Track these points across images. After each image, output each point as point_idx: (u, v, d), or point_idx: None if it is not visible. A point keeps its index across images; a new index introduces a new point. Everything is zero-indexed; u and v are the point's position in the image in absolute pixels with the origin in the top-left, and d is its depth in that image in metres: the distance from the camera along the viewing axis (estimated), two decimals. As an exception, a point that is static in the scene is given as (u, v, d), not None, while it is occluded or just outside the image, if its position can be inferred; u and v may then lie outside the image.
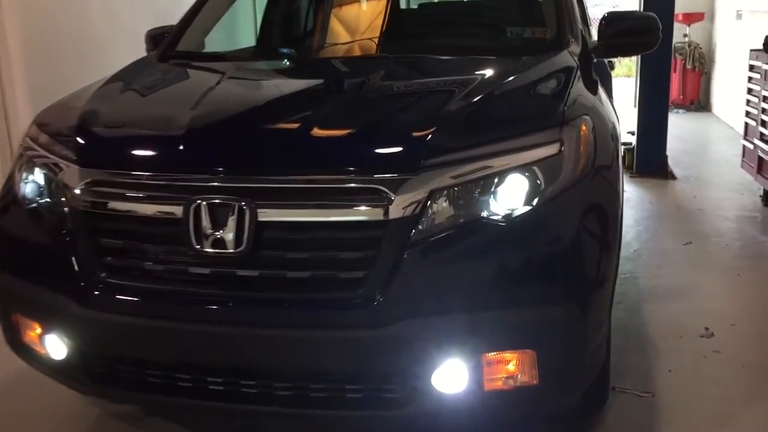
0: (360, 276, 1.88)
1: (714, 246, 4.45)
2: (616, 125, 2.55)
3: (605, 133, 2.30)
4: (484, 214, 1.93)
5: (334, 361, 1.92)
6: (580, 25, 2.91)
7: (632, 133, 6.50)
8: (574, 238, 1.97)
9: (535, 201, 1.95)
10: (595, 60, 2.91)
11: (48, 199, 2.15)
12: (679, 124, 8.30)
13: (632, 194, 5.63)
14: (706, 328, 3.24)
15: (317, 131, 2.03)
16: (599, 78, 2.87)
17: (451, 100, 2.16)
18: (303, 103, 2.28)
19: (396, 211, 1.87)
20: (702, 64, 9.91)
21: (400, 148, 1.97)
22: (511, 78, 2.34)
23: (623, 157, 6.22)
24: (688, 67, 9.87)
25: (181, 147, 2.08)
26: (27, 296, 2.17)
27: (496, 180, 1.95)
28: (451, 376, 1.92)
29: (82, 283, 2.01)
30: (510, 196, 1.95)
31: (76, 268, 2.03)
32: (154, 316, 1.97)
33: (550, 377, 1.98)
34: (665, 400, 2.67)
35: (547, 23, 2.93)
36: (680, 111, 9.66)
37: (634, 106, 6.73)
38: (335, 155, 1.98)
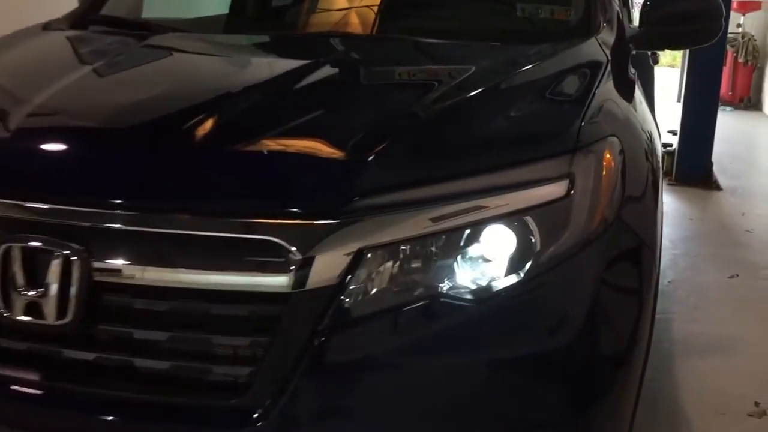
0: (243, 375, 1.22)
1: (766, 281, 3.70)
2: (655, 138, 1.82)
3: (639, 157, 1.59)
4: (444, 289, 1.25)
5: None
6: (616, 5, 2.18)
7: (674, 133, 5.72)
8: (583, 332, 1.28)
9: (526, 269, 1.26)
10: (633, 52, 2.18)
11: None
12: (726, 124, 7.45)
13: (670, 207, 4.87)
14: (757, 404, 2.53)
15: (187, 149, 1.35)
16: (637, 76, 2.15)
17: (409, 107, 1.46)
18: (182, 104, 1.55)
19: (302, 278, 1.20)
20: (755, 57, 9.02)
21: (314, 180, 1.28)
22: (507, 76, 1.64)
23: (662, 161, 5.52)
24: (740, 60, 8.99)
25: None
26: None
27: (465, 235, 1.27)
28: None
29: None
30: (486, 262, 1.27)
31: None
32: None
33: None
34: None
35: (572, 0, 2.19)
36: (728, 109, 8.79)
37: (677, 101, 5.95)
38: (211, 187, 1.30)
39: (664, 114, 5.37)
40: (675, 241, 4.23)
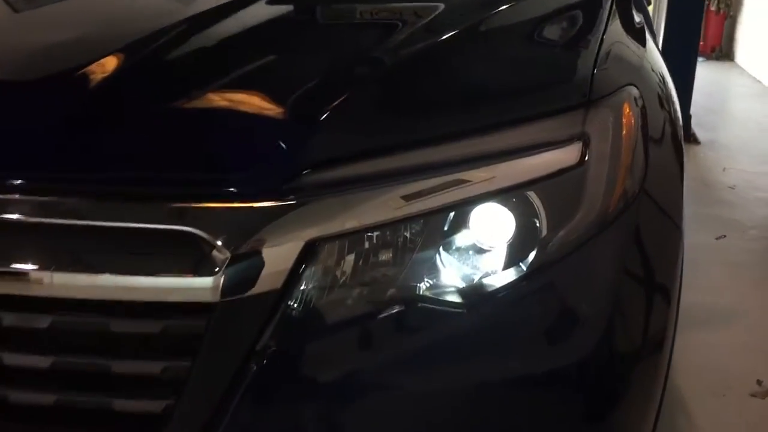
0: (155, 411, 0.91)
1: (755, 242, 3.47)
2: (670, 85, 1.51)
3: (658, 111, 1.29)
4: (424, 290, 0.94)
5: None
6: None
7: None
8: (604, 337, 0.99)
9: (529, 260, 0.96)
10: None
11: None
12: (699, 75, 7.23)
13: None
14: (759, 382, 2.30)
15: (70, 109, 0.99)
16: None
17: (370, 53, 1.13)
18: (65, 51, 1.13)
19: (233, 282, 0.88)
20: (728, 5, 8.74)
21: (245, 151, 0.95)
22: (494, 12, 1.30)
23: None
24: (712, 9, 8.70)
25: None
26: None
27: (449, 218, 0.96)
28: None
29: None
30: (478, 254, 0.97)
31: None
32: None
33: None
34: None
35: None
36: (699, 59, 8.54)
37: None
38: (107, 162, 0.96)
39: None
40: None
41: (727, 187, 4.27)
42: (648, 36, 1.60)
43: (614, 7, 1.42)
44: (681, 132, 1.37)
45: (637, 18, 1.62)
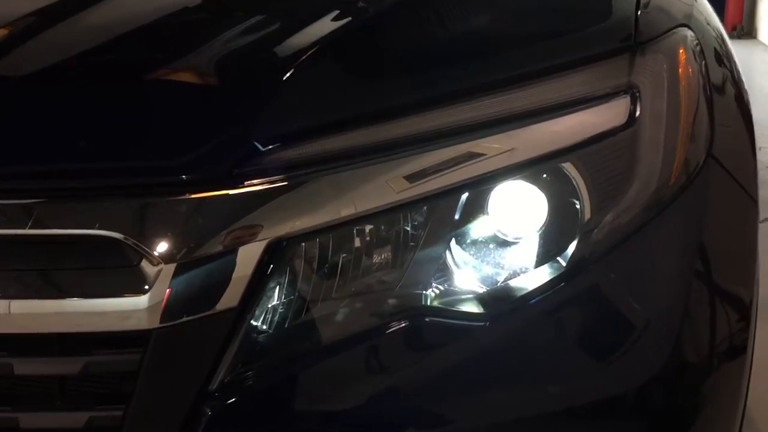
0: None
1: (802, 224, 3.20)
2: (724, 34, 1.26)
3: (718, 69, 1.04)
4: (431, 299, 0.71)
5: None
6: None
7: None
8: (673, 349, 0.74)
9: (568, 255, 0.73)
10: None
11: None
12: (721, 54, 6.95)
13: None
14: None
15: None
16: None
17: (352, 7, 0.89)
18: None
19: (172, 303, 0.65)
20: (748, -18, 8.45)
21: (188, 128, 0.72)
22: None
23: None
24: (731, -14, 8.42)
25: None
26: None
27: (461, 202, 0.73)
28: None
29: None
30: (500, 248, 0.73)
31: None
32: None
33: None
34: None
35: None
36: (720, 38, 8.25)
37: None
38: (12, 150, 0.73)
39: None
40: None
41: (765, 167, 3.98)
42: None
43: None
44: (747, 95, 1.12)
45: None
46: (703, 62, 0.90)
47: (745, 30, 8.65)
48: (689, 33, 0.91)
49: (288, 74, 0.72)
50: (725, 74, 1.05)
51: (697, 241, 0.80)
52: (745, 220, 0.89)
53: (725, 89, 1.00)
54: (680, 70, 0.84)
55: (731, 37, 7.23)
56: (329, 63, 0.76)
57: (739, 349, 0.84)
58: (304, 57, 0.74)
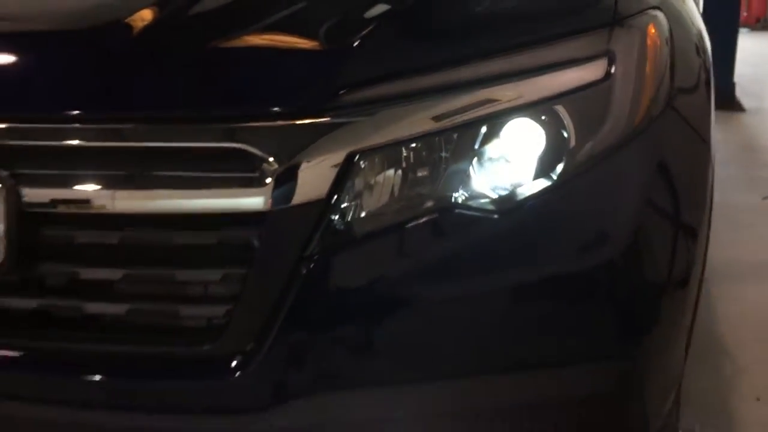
0: (216, 317, 0.99)
1: (801, 201, 3.45)
2: (706, 38, 1.55)
3: (688, 42, 1.33)
4: (458, 198, 1.01)
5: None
6: None
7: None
8: (631, 247, 1.04)
9: (558, 171, 1.02)
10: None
11: None
12: (742, 46, 7.09)
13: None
14: (805, 329, 2.31)
15: (136, 48, 1.07)
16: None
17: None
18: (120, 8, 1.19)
19: (282, 194, 0.96)
20: (772, -25, 8.57)
21: (290, 74, 1.02)
22: None
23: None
24: (755, -21, 8.55)
25: None
26: None
27: (482, 132, 1.02)
28: None
29: None
30: (509, 165, 1.03)
31: None
32: None
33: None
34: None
35: None
36: (744, 30, 8.39)
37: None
38: (169, 90, 1.04)
39: None
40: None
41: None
42: None
43: None
44: (709, 66, 1.40)
45: None
46: (669, 37, 1.18)
47: (769, 22, 8.79)
48: (659, 14, 1.19)
49: (359, 39, 1.02)
50: (699, 62, 1.34)
51: (656, 167, 1.09)
52: (696, 153, 1.18)
53: (689, 60, 1.29)
54: (648, 42, 1.13)
55: (754, 29, 7.45)
56: (387, 33, 1.05)
57: (690, 255, 1.13)
58: (368, 29, 1.04)
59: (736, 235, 3.04)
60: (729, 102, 5.09)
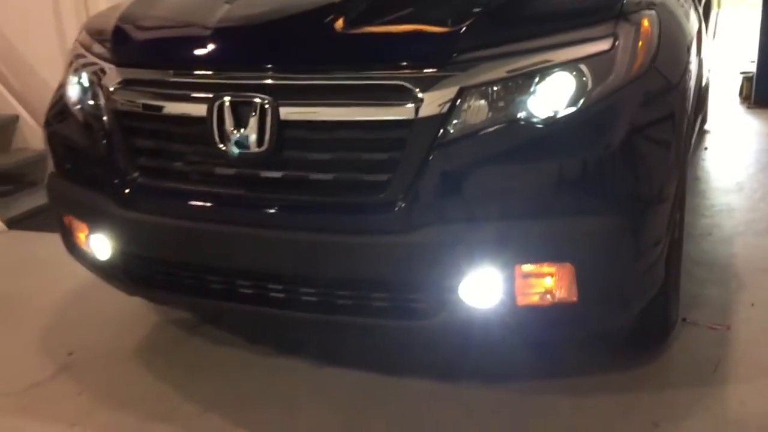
0: (384, 179, 1.78)
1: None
2: (690, 30, 2.26)
3: (675, 32, 2.05)
4: (522, 115, 1.77)
5: (356, 267, 1.85)
6: None
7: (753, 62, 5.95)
8: (621, 145, 1.78)
9: (581, 102, 1.77)
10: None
11: (91, 101, 2.16)
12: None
13: (747, 126, 5.18)
14: (804, 263, 2.93)
15: (340, 27, 1.91)
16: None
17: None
18: (328, 1, 2.10)
19: (422, 109, 1.75)
20: None
21: (427, 43, 1.84)
22: None
23: (741, 87, 5.74)
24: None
25: (205, 45, 2.03)
26: (75, 198, 2.22)
27: (536, 79, 1.78)
28: (480, 288, 1.80)
29: (119, 184, 2.02)
30: (552, 97, 1.78)
31: (113, 168, 2.04)
32: (182, 218, 1.96)
33: (591, 295, 1.83)
34: (740, 334, 2.43)
35: None
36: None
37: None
38: (358, 51, 1.88)
39: (748, 48, 5.67)
40: (749, 153, 4.57)
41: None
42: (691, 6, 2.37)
43: None
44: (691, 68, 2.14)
45: None
46: (659, 28, 1.91)
47: None
48: (653, 13, 1.93)
49: (468, 22, 1.81)
50: (677, 38, 2.06)
51: (642, 107, 1.82)
52: (673, 100, 1.91)
53: (673, 43, 2.01)
54: (641, 30, 1.87)
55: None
56: (485, 20, 1.84)
57: (659, 188, 1.86)
58: (474, 17, 1.83)
59: (764, 203, 3.66)
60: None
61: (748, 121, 5.31)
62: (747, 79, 5.74)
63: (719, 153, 4.60)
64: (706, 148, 4.67)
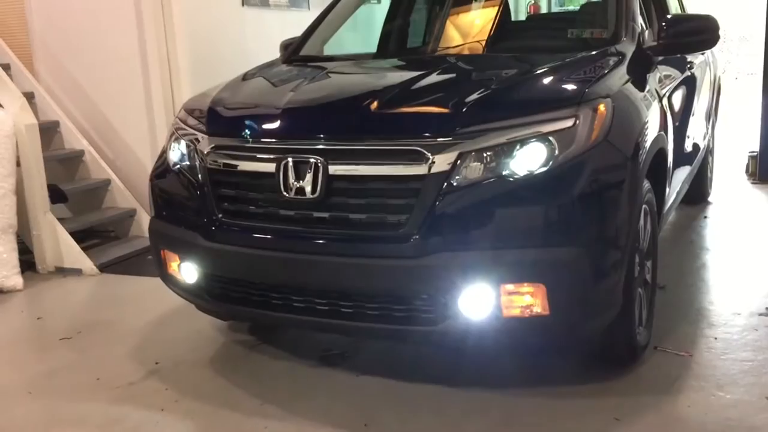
0: (403, 219, 2.42)
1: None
2: (648, 115, 2.89)
3: (630, 115, 2.68)
4: (506, 173, 2.40)
5: (382, 283, 2.47)
6: (637, 27, 3.28)
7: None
8: (580, 196, 2.39)
9: (550, 163, 2.40)
10: (660, 58, 3.29)
11: (188, 162, 2.88)
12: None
13: (753, 201, 5.71)
14: (768, 308, 3.45)
15: (374, 108, 2.61)
16: (682, 82, 3.32)
17: (490, 84, 2.67)
18: (368, 88, 2.85)
19: (432, 167, 2.40)
20: None
21: (437, 121, 2.52)
22: (551, 65, 2.80)
23: (747, 165, 6.27)
24: None
25: (275, 121, 2.76)
26: (171, 235, 2.91)
27: (518, 146, 2.42)
28: (474, 301, 2.40)
29: (207, 222, 2.71)
30: (529, 159, 2.41)
31: (203, 211, 2.74)
32: (254, 247, 2.63)
33: (560, 309, 2.41)
34: (701, 360, 2.95)
35: (607, 25, 3.33)
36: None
37: None
38: (386, 125, 2.58)
39: (755, 127, 6.29)
40: (746, 222, 5.09)
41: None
42: (655, 90, 3.04)
43: (621, 64, 2.86)
44: (644, 124, 2.78)
45: (643, 73, 3.02)
46: (612, 113, 2.55)
47: None
48: (608, 100, 2.57)
49: (468, 104, 2.48)
50: (630, 123, 2.70)
51: (596, 168, 2.45)
52: (622, 163, 2.54)
53: (625, 125, 2.64)
54: (598, 112, 2.51)
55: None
56: (481, 103, 2.51)
57: (612, 226, 2.48)
58: (473, 99, 2.51)
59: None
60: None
61: (750, 195, 5.83)
62: (753, 157, 6.29)
63: (718, 221, 5.12)
64: (706, 217, 5.20)
